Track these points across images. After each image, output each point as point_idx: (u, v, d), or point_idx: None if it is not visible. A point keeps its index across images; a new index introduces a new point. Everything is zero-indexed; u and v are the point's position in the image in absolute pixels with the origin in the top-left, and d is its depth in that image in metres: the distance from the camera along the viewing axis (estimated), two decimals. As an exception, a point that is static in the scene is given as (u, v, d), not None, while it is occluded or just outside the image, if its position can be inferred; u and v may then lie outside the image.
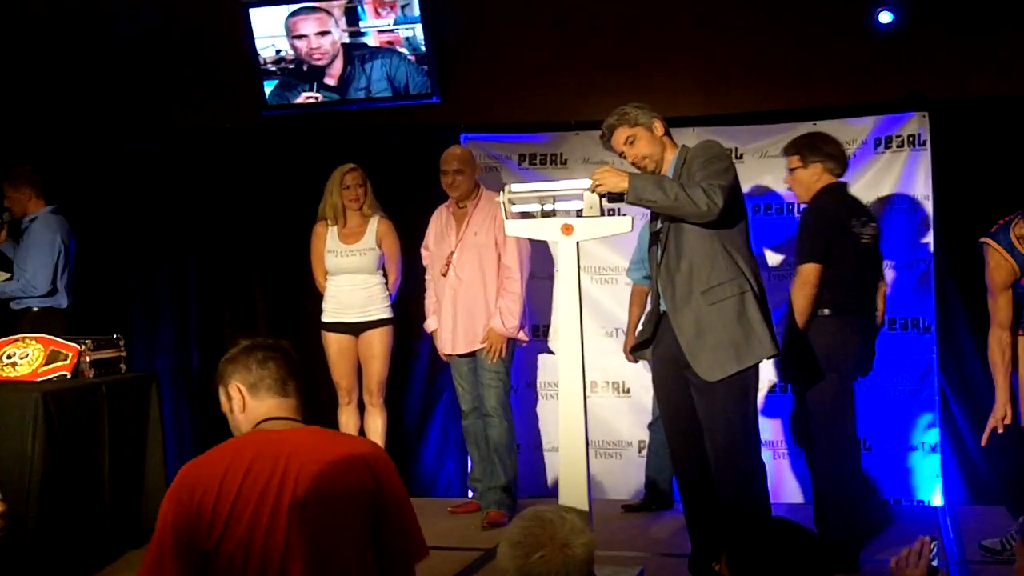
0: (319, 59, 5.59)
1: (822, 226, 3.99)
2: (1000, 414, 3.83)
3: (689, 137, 5.26)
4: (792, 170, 4.16)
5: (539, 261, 5.10)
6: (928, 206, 5.06)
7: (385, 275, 5.06)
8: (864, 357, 4.16)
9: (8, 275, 5.23)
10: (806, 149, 4.12)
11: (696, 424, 3.61)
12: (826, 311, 3.97)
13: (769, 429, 5.16)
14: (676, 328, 3.59)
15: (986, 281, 3.87)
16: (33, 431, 4.12)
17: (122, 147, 5.95)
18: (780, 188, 5.18)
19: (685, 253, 3.58)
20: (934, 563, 2.08)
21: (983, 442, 3.92)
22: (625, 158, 3.77)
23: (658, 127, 3.69)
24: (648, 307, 3.87)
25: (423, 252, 5.05)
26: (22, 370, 4.57)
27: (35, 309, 5.22)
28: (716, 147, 3.67)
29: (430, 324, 5.00)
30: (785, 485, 5.17)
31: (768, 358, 3.59)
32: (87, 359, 4.51)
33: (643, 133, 3.68)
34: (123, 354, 4.74)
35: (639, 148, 3.69)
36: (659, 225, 3.72)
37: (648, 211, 5.06)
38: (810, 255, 3.94)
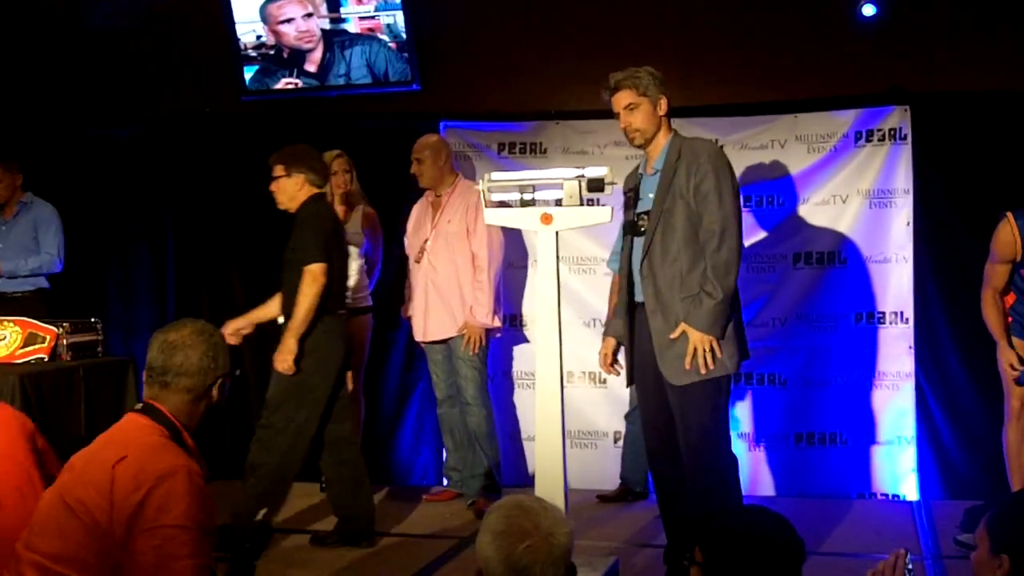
0: (299, 45, 5.54)
1: (321, 227, 4.11)
2: (1009, 357, 4.01)
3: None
4: (276, 178, 4.25)
5: (515, 250, 5.08)
6: (908, 200, 5.07)
7: (367, 264, 5.04)
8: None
9: None
10: (290, 159, 4.23)
11: (671, 418, 3.60)
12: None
13: (743, 421, 5.17)
14: (652, 328, 3.56)
15: (991, 246, 4.07)
16: None
17: (101, 132, 5.89)
18: (760, 180, 5.19)
19: (671, 255, 3.51)
20: (909, 566, 2.08)
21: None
22: (617, 119, 3.65)
23: (662, 105, 3.58)
24: (620, 294, 3.83)
25: (406, 240, 5.04)
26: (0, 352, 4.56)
27: (29, 292, 5.23)
28: (723, 160, 3.54)
29: (407, 309, 4.99)
30: (759, 477, 5.18)
31: (726, 374, 3.52)
32: (64, 342, 4.51)
33: (646, 106, 3.57)
34: (100, 338, 4.76)
35: (636, 119, 3.57)
36: (639, 215, 3.65)
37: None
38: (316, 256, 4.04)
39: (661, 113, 3.59)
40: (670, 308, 3.51)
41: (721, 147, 3.69)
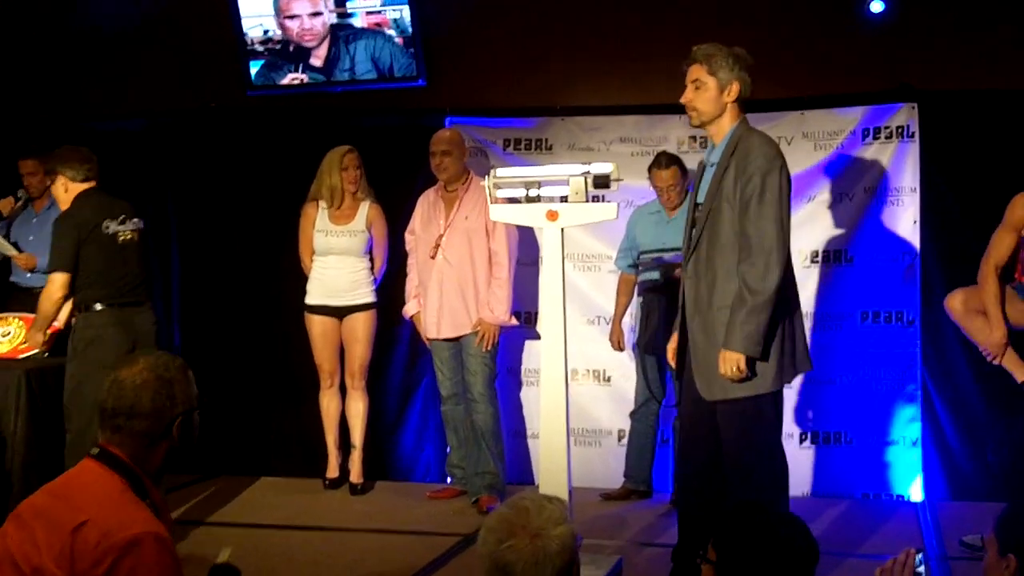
0: (308, 40, 5.53)
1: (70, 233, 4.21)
2: (997, 339, 3.94)
3: (676, 125, 5.25)
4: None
5: (524, 247, 5.07)
6: (915, 198, 5.04)
7: (371, 260, 5.03)
8: None
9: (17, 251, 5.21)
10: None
11: (706, 426, 3.45)
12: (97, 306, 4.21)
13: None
14: (690, 332, 3.45)
15: (1004, 214, 3.97)
16: (16, 408, 4.15)
17: (108, 127, 5.88)
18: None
19: (713, 260, 3.37)
20: (919, 570, 2.05)
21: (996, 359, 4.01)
22: (685, 91, 3.46)
23: (732, 90, 3.36)
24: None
25: (407, 237, 5.02)
26: (3, 348, 4.56)
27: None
28: (774, 163, 3.31)
29: (410, 308, 4.97)
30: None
31: (766, 392, 3.33)
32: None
33: (712, 87, 3.37)
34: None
35: (698, 98, 3.39)
36: (696, 205, 3.46)
37: (631, 200, 5.08)
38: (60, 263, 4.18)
39: (728, 99, 3.39)
40: (706, 315, 3.38)
41: (775, 146, 3.43)
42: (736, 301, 3.28)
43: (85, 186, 4.28)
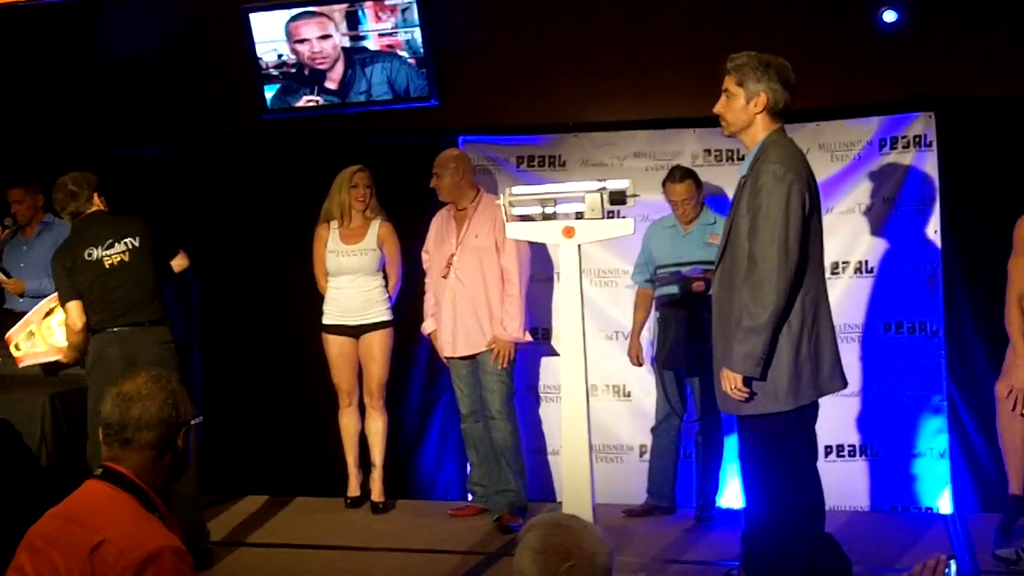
0: (320, 63, 5.56)
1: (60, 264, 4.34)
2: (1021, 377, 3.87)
3: (689, 139, 5.25)
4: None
5: (539, 263, 5.06)
6: (935, 208, 5.00)
7: (385, 278, 5.04)
8: None
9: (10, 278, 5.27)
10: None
11: None
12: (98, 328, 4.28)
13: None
14: (712, 345, 3.44)
15: (1013, 239, 3.96)
16: (41, 433, 4.18)
17: (127, 153, 5.94)
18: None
19: (733, 275, 3.31)
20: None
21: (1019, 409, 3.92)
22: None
23: (759, 102, 3.30)
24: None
25: (423, 255, 5.03)
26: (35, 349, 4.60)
27: None
28: (785, 177, 3.22)
29: (427, 326, 4.97)
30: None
31: (780, 412, 3.27)
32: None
33: (740, 98, 3.33)
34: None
35: (727, 108, 3.37)
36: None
37: (647, 214, 5.06)
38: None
39: (755, 110, 3.33)
40: (725, 329, 3.34)
41: (791, 162, 3.31)
42: (736, 321, 3.26)
43: (82, 214, 4.35)
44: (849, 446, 5.06)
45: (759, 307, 3.20)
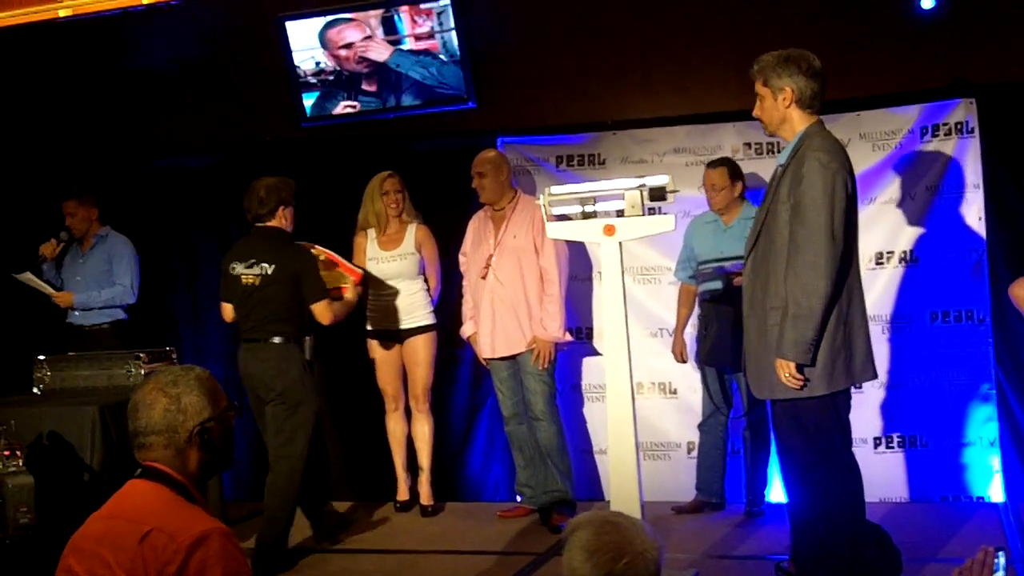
0: (359, 67, 5.61)
1: None
2: None
3: (728, 133, 5.23)
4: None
5: (579, 263, 5.06)
6: (979, 194, 4.94)
7: (426, 281, 5.07)
8: None
9: (55, 289, 5.36)
10: None
11: None
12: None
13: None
14: (745, 331, 3.50)
15: None
16: (92, 445, 4.23)
17: (172, 164, 6.04)
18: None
19: (769, 262, 3.38)
20: (998, 574, 1.98)
21: None
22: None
23: (785, 96, 3.39)
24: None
25: (461, 258, 5.05)
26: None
27: (107, 325, 5.38)
28: (828, 167, 3.26)
29: (466, 329, 4.99)
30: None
31: (815, 396, 3.30)
32: (142, 371, 4.58)
33: (768, 97, 3.44)
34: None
35: (762, 110, 3.48)
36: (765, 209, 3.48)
37: (688, 210, 5.06)
38: None
39: (784, 105, 3.42)
40: (760, 315, 3.42)
41: (835, 151, 3.36)
42: (784, 309, 3.31)
43: (261, 224, 4.53)
44: (899, 437, 5.02)
45: (807, 294, 3.24)
